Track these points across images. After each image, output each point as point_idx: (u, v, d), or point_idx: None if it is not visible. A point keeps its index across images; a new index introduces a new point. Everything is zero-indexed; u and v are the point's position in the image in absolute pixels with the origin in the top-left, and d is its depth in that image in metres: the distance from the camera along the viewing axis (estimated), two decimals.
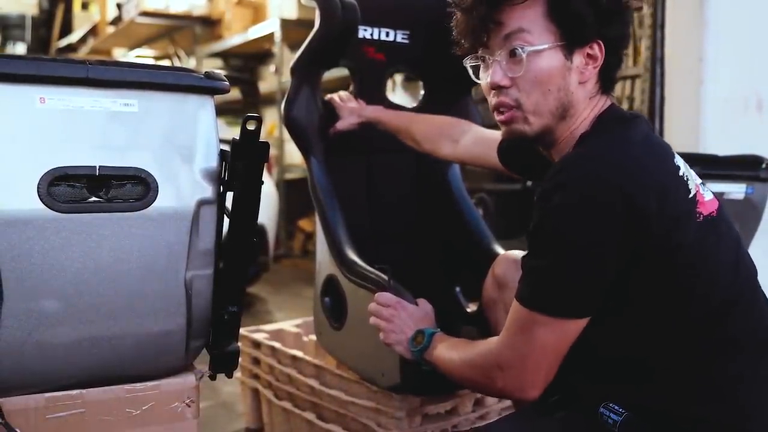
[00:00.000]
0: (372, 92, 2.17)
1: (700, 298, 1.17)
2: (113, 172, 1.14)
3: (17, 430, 1.14)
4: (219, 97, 1.27)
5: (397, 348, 1.53)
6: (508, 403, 1.94)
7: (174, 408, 1.28)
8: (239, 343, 1.37)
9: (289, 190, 5.94)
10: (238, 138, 1.18)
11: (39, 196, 1.09)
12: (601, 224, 1.12)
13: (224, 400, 2.76)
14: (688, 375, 1.17)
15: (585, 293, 1.16)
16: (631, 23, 1.31)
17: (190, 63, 7.35)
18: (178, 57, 7.69)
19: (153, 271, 1.20)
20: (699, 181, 1.24)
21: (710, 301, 1.17)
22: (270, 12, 6.11)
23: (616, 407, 1.17)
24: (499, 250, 2.08)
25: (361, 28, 2.10)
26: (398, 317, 1.54)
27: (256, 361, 2.33)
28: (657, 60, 3.32)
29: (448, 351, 1.40)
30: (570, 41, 1.23)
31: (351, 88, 2.19)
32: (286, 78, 5.50)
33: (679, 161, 1.22)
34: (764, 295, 1.25)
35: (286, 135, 3.24)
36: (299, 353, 2.14)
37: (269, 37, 5.95)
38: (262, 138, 1.19)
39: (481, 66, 1.32)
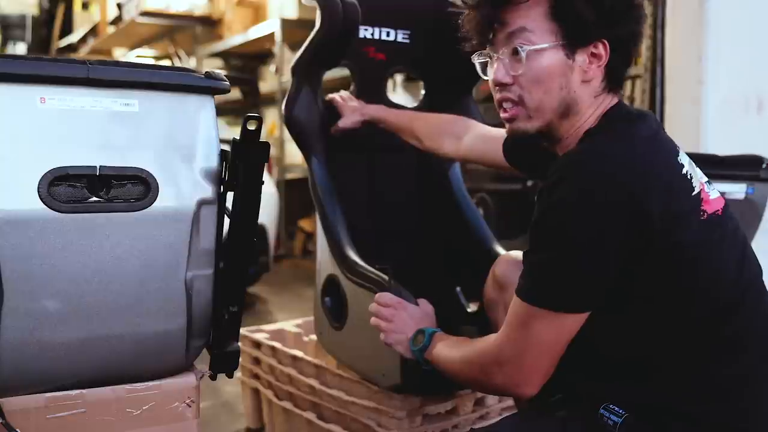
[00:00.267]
0: (372, 92, 2.17)
1: (703, 296, 1.16)
2: (114, 172, 1.14)
3: (18, 430, 1.14)
4: (219, 97, 1.27)
5: (397, 348, 1.53)
6: (509, 403, 1.94)
7: (174, 408, 1.28)
8: (240, 343, 1.37)
9: (290, 190, 5.94)
10: (238, 138, 1.18)
11: (39, 196, 1.09)
12: (601, 220, 1.12)
13: (225, 400, 2.76)
14: (691, 375, 1.16)
15: (583, 288, 1.16)
16: (643, 21, 1.27)
17: (191, 63, 7.35)
18: (179, 57, 7.69)
19: (153, 270, 1.20)
20: (705, 179, 1.24)
21: (713, 300, 1.17)
22: (270, 12, 6.12)
23: (616, 408, 1.17)
24: (500, 250, 2.08)
25: (361, 28, 2.10)
26: (399, 317, 1.54)
27: (257, 361, 2.33)
28: (657, 60, 3.32)
29: (448, 349, 1.40)
30: (572, 41, 1.24)
31: (351, 87, 2.19)
32: (287, 78, 5.50)
33: (683, 159, 1.22)
34: None
35: (287, 135, 3.24)
36: (300, 353, 2.14)
37: (270, 37, 5.95)
38: (263, 138, 1.19)
39: (488, 63, 1.33)
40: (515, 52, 1.26)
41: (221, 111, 1.47)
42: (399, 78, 5.05)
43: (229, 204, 1.26)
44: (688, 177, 1.19)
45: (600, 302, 1.17)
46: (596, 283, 1.15)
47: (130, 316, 1.20)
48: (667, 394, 1.16)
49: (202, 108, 1.22)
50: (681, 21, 3.22)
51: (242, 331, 2.17)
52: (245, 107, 6.43)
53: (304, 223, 6.12)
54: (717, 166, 2.04)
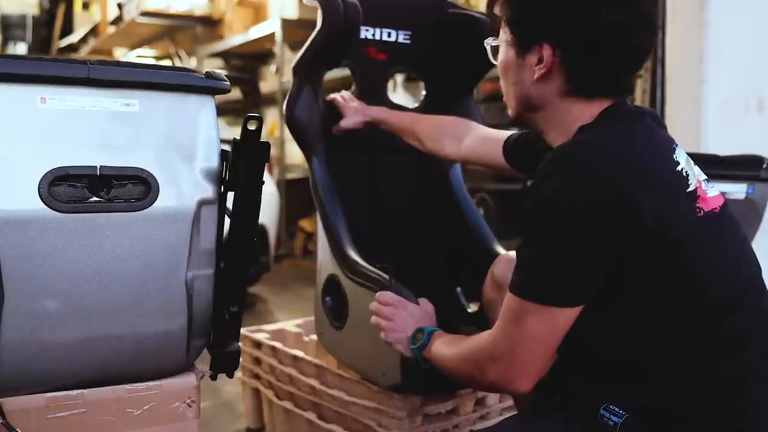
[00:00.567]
0: (373, 92, 2.17)
1: (700, 294, 1.16)
2: (114, 172, 1.14)
3: (18, 430, 1.14)
4: (220, 97, 1.27)
5: (397, 347, 1.53)
6: (509, 403, 1.94)
7: (175, 408, 1.28)
8: (240, 343, 1.37)
9: (290, 189, 5.94)
10: (239, 138, 1.18)
11: (40, 196, 1.09)
12: (592, 213, 1.11)
13: (225, 400, 2.77)
14: (690, 375, 1.16)
15: (575, 282, 1.16)
16: (604, 27, 1.19)
17: (191, 63, 7.35)
18: (179, 57, 7.69)
19: (154, 270, 1.20)
20: (703, 177, 1.23)
21: (711, 298, 1.16)
22: (271, 12, 6.12)
23: (616, 409, 1.17)
24: (500, 250, 2.08)
25: (362, 28, 2.10)
26: (399, 316, 1.54)
27: (257, 361, 2.33)
28: (657, 60, 3.32)
29: (445, 347, 1.41)
30: (517, 42, 1.28)
31: (352, 88, 2.19)
32: (287, 78, 5.52)
33: (680, 157, 1.22)
34: None
35: (287, 135, 3.24)
36: (300, 353, 2.14)
37: (270, 37, 5.95)
38: (263, 138, 1.19)
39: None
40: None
41: (222, 111, 1.47)
42: (400, 78, 5.06)
43: (229, 204, 1.26)
44: (684, 174, 1.19)
45: (592, 297, 1.16)
46: (588, 277, 1.15)
47: (130, 316, 1.20)
48: (666, 394, 1.16)
49: (203, 108, 1.22)
50: (681, 21, 3.22)
51: (243, 331, 2.18)
52: (246, 107, 6.43)
53: (305, 223, 6.12)
54: (717, 166, 2.04)
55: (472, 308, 2.11)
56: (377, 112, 2.04)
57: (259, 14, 6.34)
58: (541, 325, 1.18)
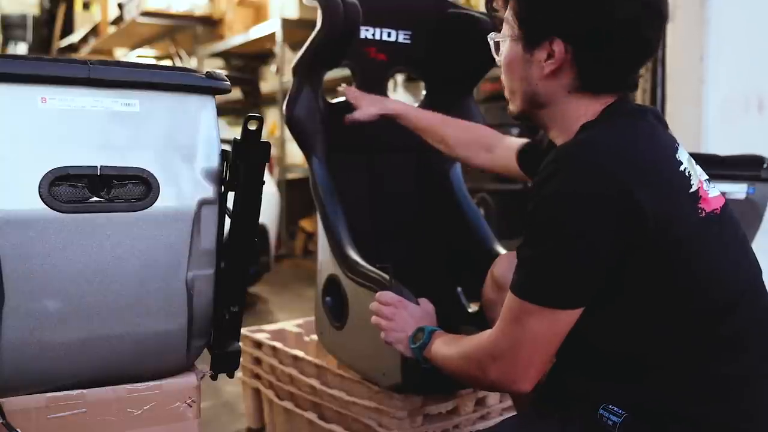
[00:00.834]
0: (373, 92, 2.17)
1: (700, 295, 1.16)
2: (114, 172, 1.14)
3: (18, 430, 1.14)
4: (220, 97, 1.27)
5: (397, 346, 1.53)
6: (509, 403, 1.94)
7: (175, 408, 1.28)
8: (240, 343, 1.37)
9: (291, 189, 5.94)
10: (239, 138, 1.18)
11: (40, 196, 1.09)
12: (592, 213, 1.11)
13: (226, 400, 2.77)
14: (690, 374, 1.16)
15: (576, 283, 1.15)
16: (614, 18, 1.18)
17: (192, 63, 7.35)
18: (180, 57, 7.69)
19: (154, 270, 1.20)
20: (704, 177, 1.23)
21: (711, 298, 1.16)
22: (271, 12, 6.11)
23: (615, 408, 1.17)
24: (501, 250, 2.08)
25: (362, 28, 2.10)
26: (399, 316, 1.54)
27: (258, 361, 2.33)
28: (658, 59, 3.32)
29: (446, 346, 1.40)
30: (525, 36, 1.26)
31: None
32: (288, 78, 5.51)
33: (682, 156, 1.21)
34: None
35: (288, 135, 3.24)
36: (300, 353, 2.14)
37: (270, 37, 5.95)
38: (264, 138, 1.19)
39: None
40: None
41: (222, 111, 1.47)
42: (400, 78, 5.06)
43: (230, 204, 1.26)
44: (686, 174, 1.19)
45: (593, 298, 1.16)
46: (589, 276, 1.14)
47: (130, 316, 1.20)
48: (666, 394, 1.16)
49: (203, 108, 1.22)
50: (682, 20, 3.22)
51: (243, 331, 2.17)
52: (246, 107, 6.44)
53: (305, 223, 6.12)
54: (718, 166, 2.03)
55: (473, 308, 2.11)
56: (397, 106, 2.02)
57: (259, 14, 6.34)
58: (542, 326, 1.18)
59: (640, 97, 3.42)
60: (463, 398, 1.88)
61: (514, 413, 1.63)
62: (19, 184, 1.09)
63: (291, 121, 1.99)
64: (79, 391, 1.21)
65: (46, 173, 1.09)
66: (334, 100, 2.14)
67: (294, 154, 5.81)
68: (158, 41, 7.81)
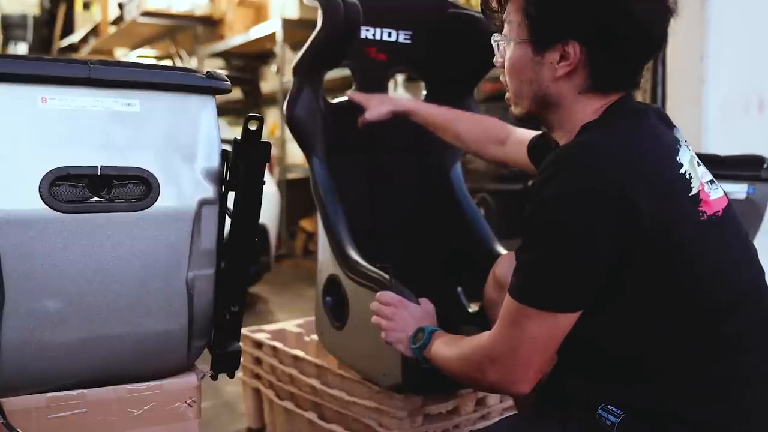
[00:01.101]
0: (374, 92, 2.17)
1: (702, 296, 1.16)
2: (115, 172, 1.14)
3: (19, 430, 1.14)
4: (221, 97, 1.27)
5: (398, 346, 1.53)
6: (509, 403, 1.94)
7: (176, 408, 1.28)
8: (241, 343, 1.37)
9: (291, 189, 5.94)
10: (239, 138, 1.18)
11: (41, 196, 1.09)
12: (591, 215, 1.11)
13: (226, 400, 2.77)
14: (691, 375, 1.16)
15: (574, 287, 1.15)
16: (629, 18, 1.18)
17: (192, 63, 7.35)
18: (180, 57, 7.69)
19: (155, 270, 1.20)
20: (707, 178, 1.22)
21: (712, 300, 1.16)
22: (272, 12, 6.12)
23: (614, 409, 1.17)
24: (501, 250, 2.08)
25: (363, 28, 2.10)
26: (400, 316, 1.54)
27: (258, 361, 2.33)
28: (658, 59, 3.32)
29: (445, 347, 1.40)
30: (537, 39, 1.24)
31: (353, 88, 2.19)
32: (288, 78, 5.51)
33: (683, 158, 1.20)
34: None
35: (288, 135, 3.25)
36: (301, 353, 2.14)
37: (271, 37, 5.96)
38: (264, 138, 1.19)
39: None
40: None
41: (222, 111, 1.47)
42: (400, 78, 5.06)
43: (230, 204, 1.26)
44: (687, 177, 1.18)
45: (594, 298, 1.16)
46: (588, 277, 1.14)
47: (131, 316, 1.20)
48: (666, 394, 1.15)
49: (204, 108, 1.22)
50: (682, 20, 3.21)
51: (243, 331, 2.17)
52: (246, 107, 6.43)
53: (305, 223, 6.12)
54: (718, 166, 2.03)
55: (473, 308, 2.11)
56: (407, 103, 2.02)
57: (259, 14, 6.34)
58: (540, 329, 1.18)
59: (641, 96, 3.42)
60: (464, 398, 1.88)
61: (514, 413, 1.63)
62: (19, 184, 1.09)
63: (291, 121, 2.00)
64: (79, 391, 1.21)
65: (47, 173, 1.09)
66: (335, 100, 2.15)
67: (294, 154, 5.81)
68: (158, 41, 7.81)
